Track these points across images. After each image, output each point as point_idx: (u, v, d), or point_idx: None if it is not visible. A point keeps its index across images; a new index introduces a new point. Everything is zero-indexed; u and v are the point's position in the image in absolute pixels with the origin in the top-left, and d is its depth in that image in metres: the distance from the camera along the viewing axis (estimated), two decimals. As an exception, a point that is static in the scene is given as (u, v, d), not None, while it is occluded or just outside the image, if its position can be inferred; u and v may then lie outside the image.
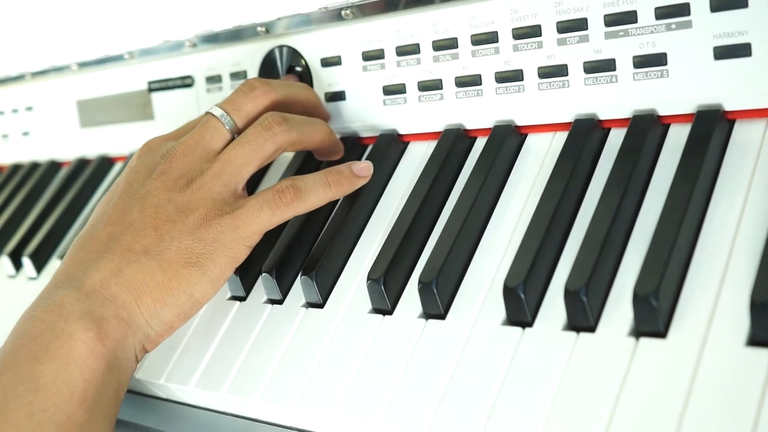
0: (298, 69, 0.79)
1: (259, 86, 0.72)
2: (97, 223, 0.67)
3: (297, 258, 0.70)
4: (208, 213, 0.65)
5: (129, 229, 0.65)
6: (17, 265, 0.96)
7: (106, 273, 0.63)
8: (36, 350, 0.59)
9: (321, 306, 0.67)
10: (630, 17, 0.61)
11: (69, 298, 0.62)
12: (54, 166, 1.07)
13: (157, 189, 0.66)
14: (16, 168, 1.13)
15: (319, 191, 0.67)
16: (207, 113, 0.70)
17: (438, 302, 0.60)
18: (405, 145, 0.75)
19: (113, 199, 0.68)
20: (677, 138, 0.61)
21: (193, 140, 0.68)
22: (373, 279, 0.63)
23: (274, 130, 0.68)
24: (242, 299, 0.72)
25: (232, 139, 0.70)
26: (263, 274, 0.69)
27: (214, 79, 0.86)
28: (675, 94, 0.61)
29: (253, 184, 0.79)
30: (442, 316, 0.60)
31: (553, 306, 0.56)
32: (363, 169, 0.71)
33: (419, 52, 0.72)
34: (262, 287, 0.70)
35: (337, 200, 0.73)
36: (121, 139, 0.98)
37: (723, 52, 0.59)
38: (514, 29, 0.67)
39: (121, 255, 0.64)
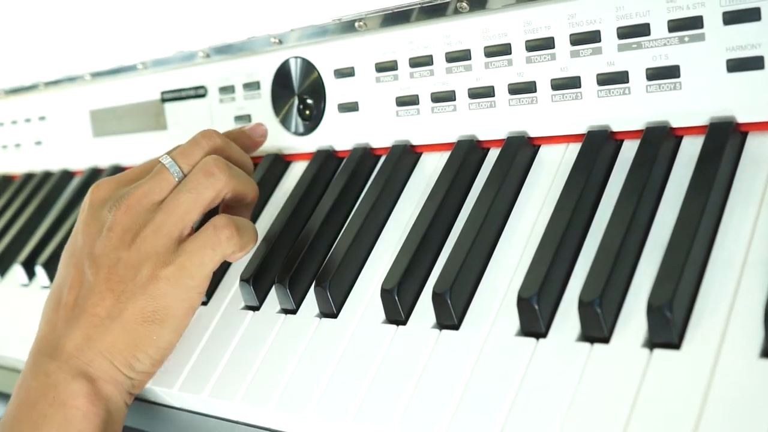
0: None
1: (219, 143, 0.71)
2: (63, 285, 0.69)
3: (310, 268, 0.71)
4: (155, 268, 0.65)
5: (90, 293, 0.66)
6: (30, 273, 0.97)
7: (78, 340, 0.66)
8: (36, 418, 0.65)
9: (334, 316, 0.67)
10: (643, 30, 0.62)
11: (52, 367, 0.66)
12: (66, 176, 1.08)
13: (107, 248, 0.67)
14: (28, 177, 1.13)
15: (252, 233, 0.69)
16: (158, 162, 0.70)
17: (452, 313, 0.60)
18: (418, 156, 0.75)
19: (70, 258, 0.70)
20: (690, 150, 0.61)
21: (141, 192, 0.68)
22: (386, 289, 0.63)
23: (215, 176, 0.68)
24: (256, 309, 0.72)
25: None
26: (276, 284, 0.70)
27: (227, 90, 0.87)
28: (688, 106, 0.61)
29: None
30: (456, 327, 0.61)
31: (567, 317, 0.57)
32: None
33: (432, 64, 0.72)
34: (276, 297, 0.71)
35: (351, 211, 0.73)
36: (133, 149, 0.99)
37: (736, 65, 0.59)
38: (527, 41, 0.67)
39: (86, 321, 0.66)
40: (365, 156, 0.77)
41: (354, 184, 0.76)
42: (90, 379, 0.65)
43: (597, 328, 0.54)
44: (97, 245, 0.67)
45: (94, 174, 1.03)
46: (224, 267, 0.77)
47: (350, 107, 0.78)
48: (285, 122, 0.82)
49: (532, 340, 0.57)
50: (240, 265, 0.75)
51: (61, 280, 0.70)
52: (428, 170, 0.73)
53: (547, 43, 0.66)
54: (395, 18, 0.73)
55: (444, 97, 0.72)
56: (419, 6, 0.72)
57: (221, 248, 0.66)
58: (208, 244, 0.66)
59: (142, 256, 0.66)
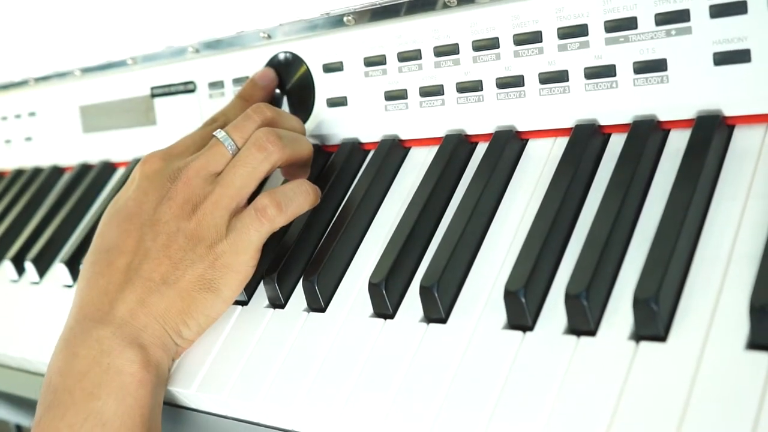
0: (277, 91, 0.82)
1: (270, 115, 0.73)
2: (114, 249, 0.69)
3: (298, 262, 0.71)
4: (213, 240, 0.68)
5: (146, 258, 0.68)
6: (20, 269, 0.96)
7: (131, 304, 0.67)
8: (90, 387, 0.64)
9: (323, 310, 0.67)
10: (630, 23, 0.62)
11: (105, 333, 0.66)
12: (56, 172, 1.08)
13: (167, 216, 0.68)
14: (18, 173, 1.13)
15: (299, 199, 0.70)
16: (213, 135, 0.72)
17: (439, 306, 0.60)
18: (406, 150, 0.75)
19: (125, 223, 0.70)
20: (677, 143, 0.61)
21: (199, 164, 0.70)
22: (374, 283, 0.63)
23: (268, 150, 0.70)
24: (244, 303, 0.72)
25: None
26: (265, 278, 0.70)
27: (216, 85, 0.87)
28: (675, 100, 0.61)
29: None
30: (444, 320, 0.61)
31: (554, 310, 0.57)
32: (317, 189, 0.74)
33: (421, 58, 0.72)
34: (264, 291, 0.71)
35: (340, 205, 0.73)
36: (123, 145, 0.98)
37: (722, 58, 0.59)
38: (515, 35, 0.67)
39: (142, 285, 0.67)
40: (354, 150, 0.77)
41: (343, 178, 0.76)
42: (143, 345, 0.66)
43: (583, 321, 0.54)
44: (157, 213, 0.69)
45: (84, 170, 1.03)
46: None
47: (339, 102, 0.78)
48: (274, 117, 0.82)
49: (519, 333, 0.57)
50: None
51: (109, 244, 0.70)
52: (417, 164, 0.73)
53: (535, 37, 0.66)
54: (383, 12, 0.73)
55: (432, 91, 0.72)
56: (408, 0, 0.71)
57: (264, 227, 0.68)
58: (253, 225, 0.68)
59: (202, 227, 0.68)
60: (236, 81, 0.85)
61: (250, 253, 0.68)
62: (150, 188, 0.70)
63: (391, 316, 0.63)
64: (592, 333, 0.54)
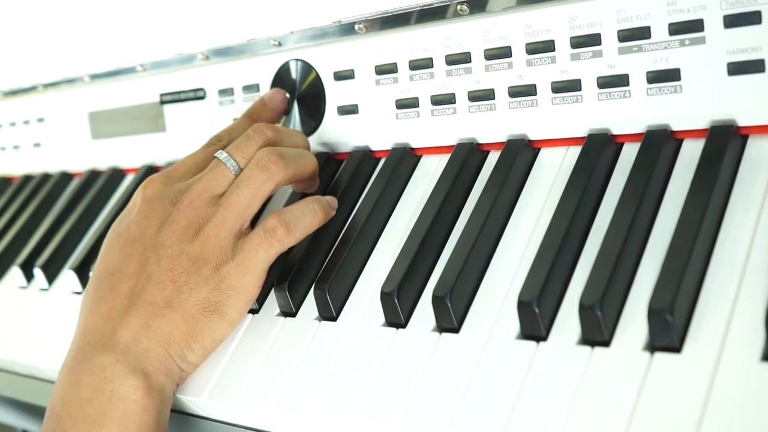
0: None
1: (271, 135, 0.72)
2: (116, 273, 0.69)
3: (310, 271, 0.71)
4: (218, 262, 0.67)
5: (149, 282, 0.67)
6: (29, 276, 0.96)
7: (135, 329, 0.66)
8: (93, 414, 0.64)
9: (334, 319, 0.67)
10: (644, 33, 0.62)
11: (108, 359, 0.65)
12: (65, 178, 1.08)
13: (170, 239, 0.68)
14: (27, 179, 1.13)
15: (307, 219, 0.69)
16: (215, 157, 0.71)
17: (452, 316, 0.60)
18: (418, 158, 0.75)
19: (127, 248, 0.69)
20: (691, 153, 0.61)
21: (201, 187, 0.69)
22: (386, 292, 0.63)
23: (271, 170, 0.69)
24: (255, 312, 0.72)
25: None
26: (276, 286, 0.70)
27: (226, 92, 0.87)
28: (688, 110, 0.61)
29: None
30: (456, 330, 0.61)
31: (568, 320, 0.57)
32: (333, 200, 0.73)
33: (432, 66, 0.72)
34: (275, 300, 0.71)
35: (350, 213, 0.73)
36: (132, 151, 0.99)
37: (736, 68, 0.59)
38: (527, 44, 0.67)
39: (145, 310, 0.67)
40: (365, 158, 0.77)
41: (354, 186, 0.76)
42: (146, 371, 0.65)
43: (598, 331, 0.54)
44: (159, 236, 0.68)
45: (93, 176, 1.03)
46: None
47: (350, 110, 0.78)
48: (285, 124, 0.82)
49: (533, 343, 0.57)
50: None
51: (111, 269, 0.69)
52: (428, 173, 0.73)
53: (548, 46, 0.66)
54: (395, 21, 0.73)
55: (444, 99, 0.72)
56: (419, 9, 0.71)
57: (274, 248, 0.68)
58: (261, 246, 0.67)
59: (206, 250, 0.67)
60: (246, 88, 0.85)
61: (257, 275, 0.68)
62: (151, 212, 0.70)
63: (404, 326, 0.63)
64: (606, 344, 0.54)
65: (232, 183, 0.70)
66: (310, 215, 0.70)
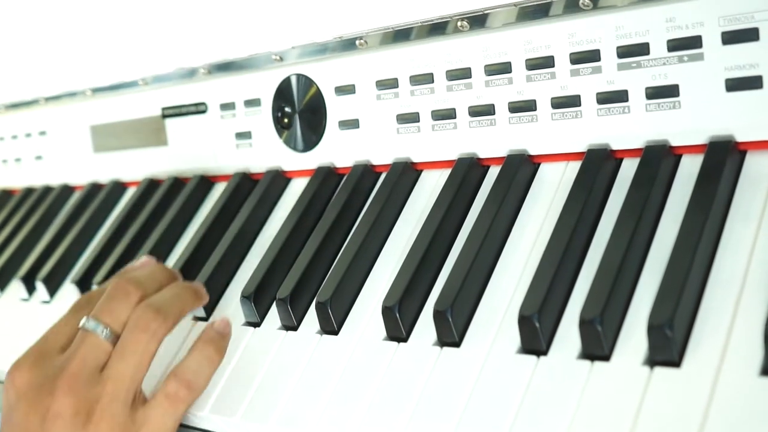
0: None
1: (133, 290, 0.68)
2: None
3: (311, 285, 0.71)
4: None
5: None
6: (30, 288, 0.97)
7: None
8: None
9: (336, 333, 0.67)
10: (642, 49, 0.62)
11: None
12: (67, 191, 1.08)
13: None
14: (28, 192, 1.14)
15: (206, 370, 0.67)
16: (80, 328, 0.66)
17: (453, 330, 0.61)
18: (418, 173, 0.76)
19: None
20: (690, 168, 0.62)
21: (76, 366, 0.63)
22: (388, 306, 0.63)
23: (151, 329, 0.65)
24: (256, 325, 0.72)
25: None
26: (277, 300, 0.70)
27: (228, 106, 0.87)
28: (687, 125, 0.62)
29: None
30: (457, 344, 0.61)
31: (568, 335, 0.57)
32: (224, 326, 0.71)
33: (433, 82, 0.73)
34: (276, 314, 0.71)
35: (352, 228, 0.74)
36: (134, 165, 0.99)
37: (734, 84, 0.59)
38: (527, 60, 0.67)
39: None
40: (366, 173, 0.78)
41: (355, 201, 0.76)
42: None
43: (598, 346, 0.54)
44: None
45: (94, 189, 1.04)
46: (224, 283, 0.78)
47: (351, 124, 0.78)
48: (285, 139, 0.83)
49: (533, 357, 0.57)
50: (240, 281, 0.75)
51: None
52: (429, 187, 0.74)
53: (547, 62, 0.67)
54: (396, 36, 0.74)
55: (444, 114, 0.72)
56: (420, 24, 0.72)
57: (180, 410, 0.65)
58: (168, 413, 0.64)
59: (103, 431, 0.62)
60: (248, 102, 0.85)
61: None
62: (29, 409, 0.62)
63: (405, 340, 0.63)
64: (606, 358, 0.54)
65: (114, 351, 0.64)
66: (208, 364, 0.67)
